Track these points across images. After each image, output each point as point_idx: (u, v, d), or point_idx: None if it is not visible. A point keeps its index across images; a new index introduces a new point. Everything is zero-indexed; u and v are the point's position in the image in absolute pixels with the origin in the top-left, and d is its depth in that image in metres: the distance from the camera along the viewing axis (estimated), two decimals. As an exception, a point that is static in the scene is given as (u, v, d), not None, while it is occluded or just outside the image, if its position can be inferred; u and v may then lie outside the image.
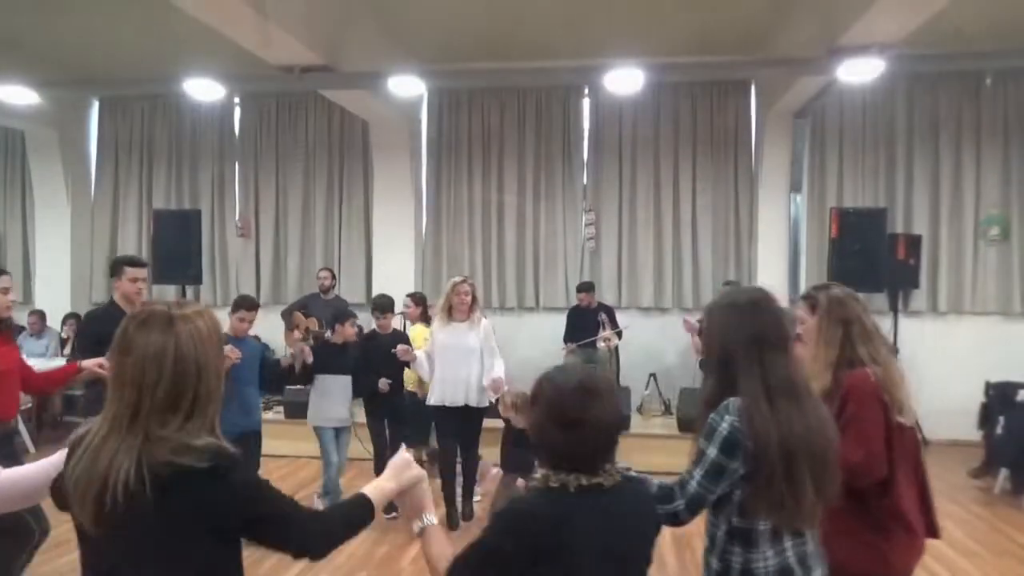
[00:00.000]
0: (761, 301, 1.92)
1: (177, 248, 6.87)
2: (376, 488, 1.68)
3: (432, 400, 5.08)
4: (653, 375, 7.41)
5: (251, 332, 4.89)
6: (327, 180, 8.63)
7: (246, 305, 4.70)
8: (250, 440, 4.40)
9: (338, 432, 5.17)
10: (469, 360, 5.00)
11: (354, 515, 1.63)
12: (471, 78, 7.85)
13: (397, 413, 5.44)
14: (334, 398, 5.13)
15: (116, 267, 4.18)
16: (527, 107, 8.30)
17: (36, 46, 7.18)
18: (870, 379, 2.19)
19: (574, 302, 7.71)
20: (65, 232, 8.82)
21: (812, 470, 1.75)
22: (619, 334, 7.29)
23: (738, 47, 7.07)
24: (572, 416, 1.55)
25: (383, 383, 5.18)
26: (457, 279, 5.18)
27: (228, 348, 4.30)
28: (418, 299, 6.39)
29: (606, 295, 8.02)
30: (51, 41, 7.10)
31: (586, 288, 7.53)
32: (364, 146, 8.48)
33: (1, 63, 6.83)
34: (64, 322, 8.12)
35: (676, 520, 1.83)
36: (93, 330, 4.01)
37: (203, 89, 6.65)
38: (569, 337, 7.44)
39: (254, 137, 8.77)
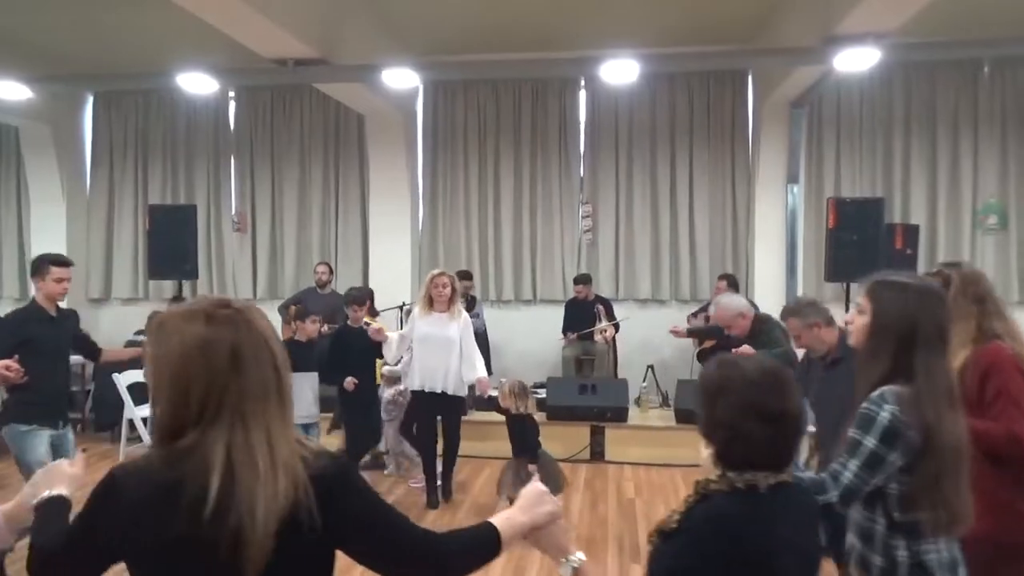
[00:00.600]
0: (943, 293, 1.88)
1: (173, 243, 6.85)
2: (506, 521, 1.41)
3: (413, 385, 5.27)
4: (651, 367, 7.41)
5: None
6: (323, 173, 8.59)
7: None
8: None
9: (306, 428, 5.14)
10: (449, 350, 5.16)
11: (477, 545, 1.38)
12: (466, 70, 7.82)
13: (373, 409, 5.52)
14: (300, 395, 5.11)
15: (40, 266, 3.98)
16: (523, 99, 8.26)
17: (29, 41, 7.14)
18: (1007, 352, 2.20)
19: (571, 294, 7.71)
20: (61, 228, 8.76)
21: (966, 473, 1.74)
22: (616, 326, 7.30)
23: (735, 37, 7.04)
24: (774, 408, 1.40)
25: (348, 382, 5.21)
26: (435, 271, 5.35)
27: None
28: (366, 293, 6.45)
29: (603, 287, 8.01)
30: (44, 36, 7.07)
31: (583, 280, 7.53)
32: (360, 139, 8.44)
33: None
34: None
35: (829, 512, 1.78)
36: (12, 331, 3.88)
37: (197, 83, 6.61)
38: (568, 329, 7.45)
39: (249, 131, 8.73)
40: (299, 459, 1.23)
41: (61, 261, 4.07)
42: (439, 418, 5.36)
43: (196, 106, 8.60)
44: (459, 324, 5.22)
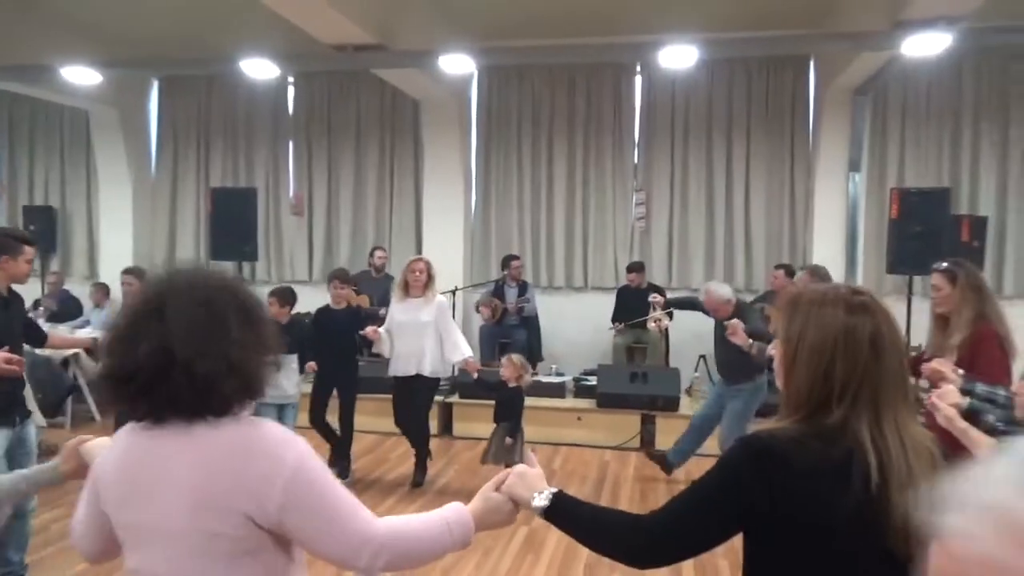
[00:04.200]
0: None
1: (234, 225, 7.02)
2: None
3: (390, 372, 5.44)
4: (703, 357, 7.32)
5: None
6: (378, 158, 8.69)
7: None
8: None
9: (283, 409, 5.07)
10: (422, 334, 5.26)
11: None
12: (522, 56, 7.78)
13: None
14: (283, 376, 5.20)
15: (11, 244, 3.48)
16: (577, 85, 8.21)
17: (99, 27, 7.36)
18: (995, 331, 3.05)
19: (623, 282, 7.67)
20: (127, 209, 9.08)
21: None
22: (670, 315, 7.21)
23: (797, 21, 6.86)
24: None
25: (309, 366, 5.31)
26: (412, 257, 5.53)
27: None
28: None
29: (656, 276, 7.95)
30: (113, 21, 7.28)
31: (636, 268, 7.49)
32: (415, 124, 8.52)
33: (67, 44, 7.04)
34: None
35: None
36: None
37: (258, 68, 6.74)
38: (618, 317, 7.42)
39: (307, 116, 8.87)
40: (933, 443, 1.29)
41: (31, 240, 3.63)
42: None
43: (256, 91, 8.76)
44: (433, 308, 5.29)
